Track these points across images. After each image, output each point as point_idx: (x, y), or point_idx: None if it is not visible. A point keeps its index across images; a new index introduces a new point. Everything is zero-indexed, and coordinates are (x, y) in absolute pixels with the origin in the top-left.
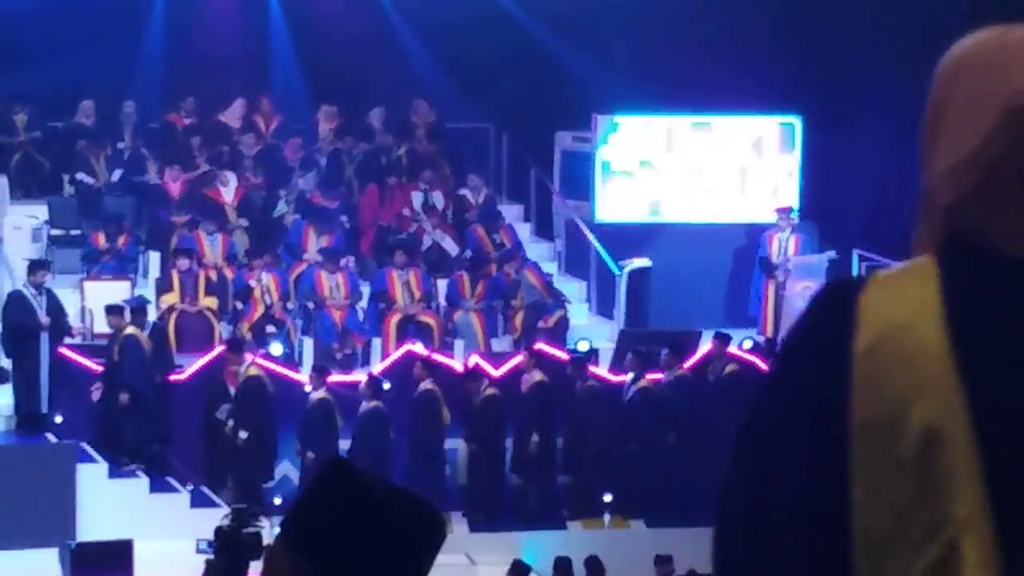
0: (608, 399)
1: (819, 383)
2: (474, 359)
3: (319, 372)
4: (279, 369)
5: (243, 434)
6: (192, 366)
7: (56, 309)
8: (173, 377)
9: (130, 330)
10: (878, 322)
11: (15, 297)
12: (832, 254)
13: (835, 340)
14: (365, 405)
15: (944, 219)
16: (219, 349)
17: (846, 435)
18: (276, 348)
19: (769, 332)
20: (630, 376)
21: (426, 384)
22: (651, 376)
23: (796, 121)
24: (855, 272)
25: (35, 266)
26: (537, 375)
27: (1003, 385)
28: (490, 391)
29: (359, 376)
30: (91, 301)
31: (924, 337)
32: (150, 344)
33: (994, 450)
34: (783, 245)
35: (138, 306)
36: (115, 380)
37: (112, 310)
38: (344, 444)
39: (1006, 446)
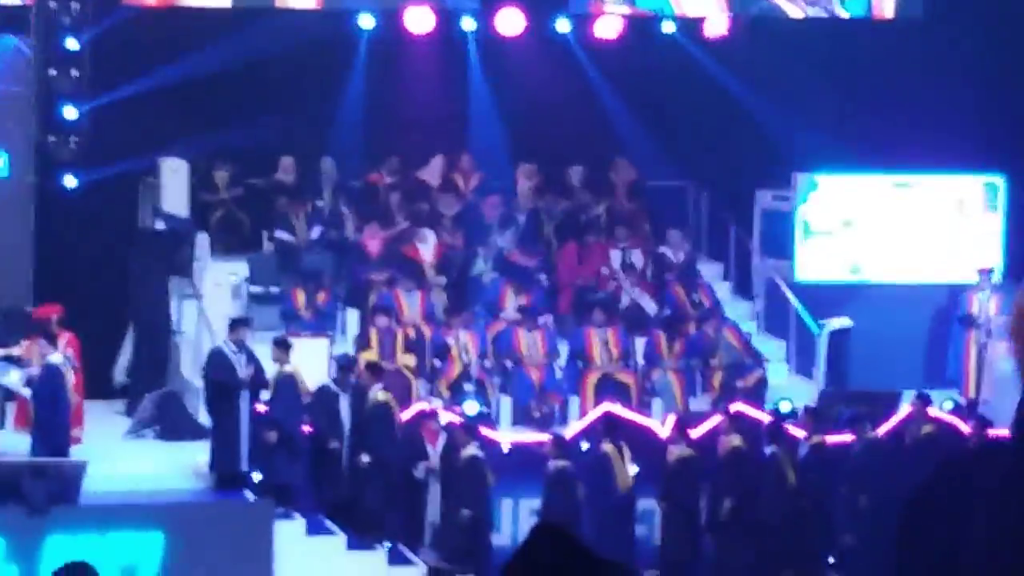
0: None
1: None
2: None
3: (557, 440)
4: (486, 432)
5: (465, 512)
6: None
7: (257, 367)
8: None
9: (380, 396)
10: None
11: (216, 354)
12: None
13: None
14: (552, 464)
15: None
16: (416, 407)
17: None
18: (471, 406)
19: (970, 393)
20: (803, 434)
21: (604, 445)
22: (832, 436)
23: (1000, 180)
24: None
25: (236, 323)
26: (735, 439)
27: None
28: (685, 452)
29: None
30: (293, 359)
31: None
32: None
33: None
34: (984, 305)
35: (344, 364)
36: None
37: (279, 343)
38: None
39: None
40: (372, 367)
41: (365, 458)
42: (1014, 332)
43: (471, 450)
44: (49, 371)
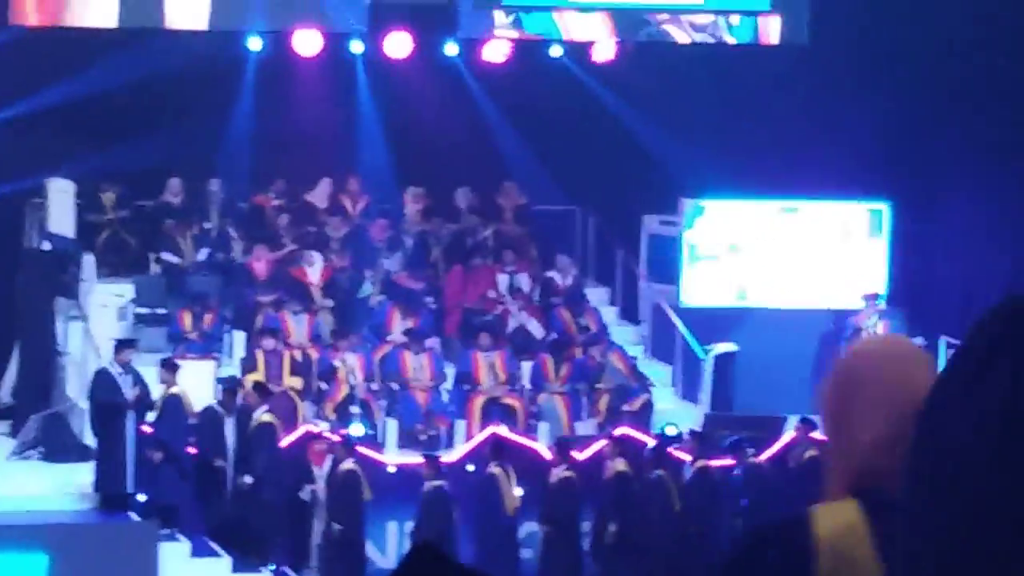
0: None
1: None
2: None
3: (431, 461)
4: (368, 453)
5: (336, 526)
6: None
7: (142, 388)
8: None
9: (265, 417)
10: (829, 551)
11: (101, 375)
12: (920, 341)
13: (801, 564)
14: (428, 485)
15: (857, 473)
16: (302, 429)
17: None
18: (357, 429)
19: None
20: (688, 458)
21: (492, 467)
22: (716, 460)
23: (884, 207)
24: (941, 359)
25: (121, 345)
26: (620, 464)
27: None
28: (565, 474)
29: (444, 457)
30: (178, 381)
31: (863, 558)
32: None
33: None
34: (870, 331)
35: (229, 386)
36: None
37: (258, 387)
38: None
39: None
40: (258, 388)
41: (248, 479)
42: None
43: (347, 464)
44: None
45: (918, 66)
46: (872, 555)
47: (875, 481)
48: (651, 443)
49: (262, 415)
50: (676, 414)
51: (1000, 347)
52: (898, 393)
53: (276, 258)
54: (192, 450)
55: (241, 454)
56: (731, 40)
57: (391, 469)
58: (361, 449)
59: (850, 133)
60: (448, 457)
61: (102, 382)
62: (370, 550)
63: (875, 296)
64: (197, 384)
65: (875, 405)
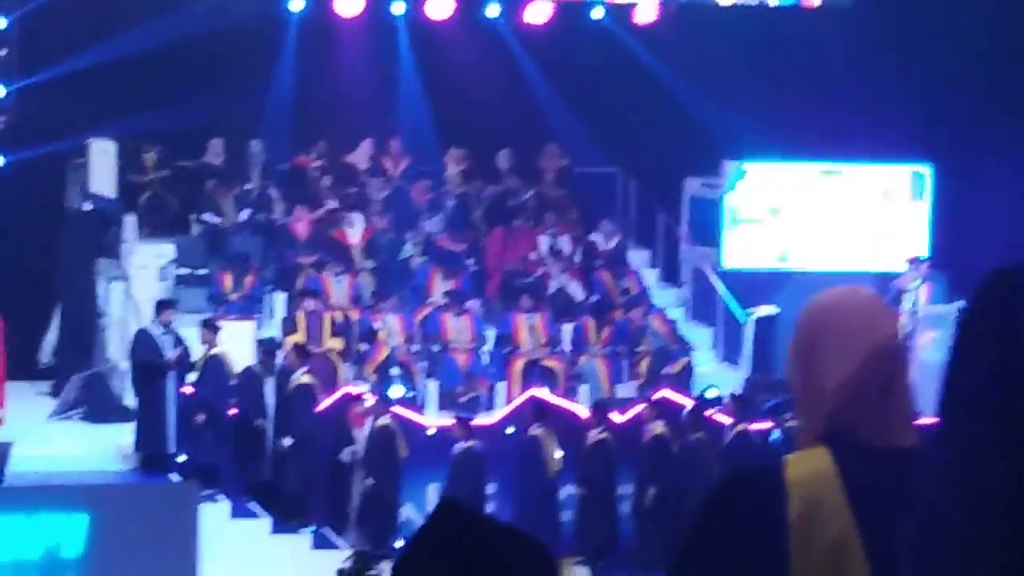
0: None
1: (760, 537)
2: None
3: (462, 422)
4: (406, 413)
5: (369, 481)
6: (320, 406)
7: (183, 349)
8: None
9: (304, 379)
10: (800, 496)
11: (142, 336)
12: (962, 304)
13: (773, 508)
14: (458, 446)
15: (826, 421)
16: (342, 391)
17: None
18: (396, 390)
19: None
20: (729, 422)
21: (534, 429)
22: (756, 424)
23: (927, 170)
24: None
25: (162, 305)
26: (659, 427)
27: (884, 526)
28: (600, 436)
29: (484, 419)
30: (219, 342)
31: (833, 502)
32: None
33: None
34: (913, 294)
35: (268, 347)
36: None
37: (207, 325)
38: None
39: (889, 564)
40: (298, 350)
41: (287, 441)
42: (793, 348)
43: (383, 420)
44: None
45: (961, 28)
46: (842, 499)
47: (843, 427)
48: (689, 406)
49: (301, 376)
50: (717, 377)
51: (1002, 310)
52: (861, 340)
53: (317, 219)
54: (232, 411)
55: (280, 415)
56: (773, 2)
57: (431, 431)
58: (401, 411)
59: (892, 96)
60: (488, 419)
61: (143, 343)
62: (411, 512)
63: (918, 259)
64: (237, 345)
65: (839, 352)
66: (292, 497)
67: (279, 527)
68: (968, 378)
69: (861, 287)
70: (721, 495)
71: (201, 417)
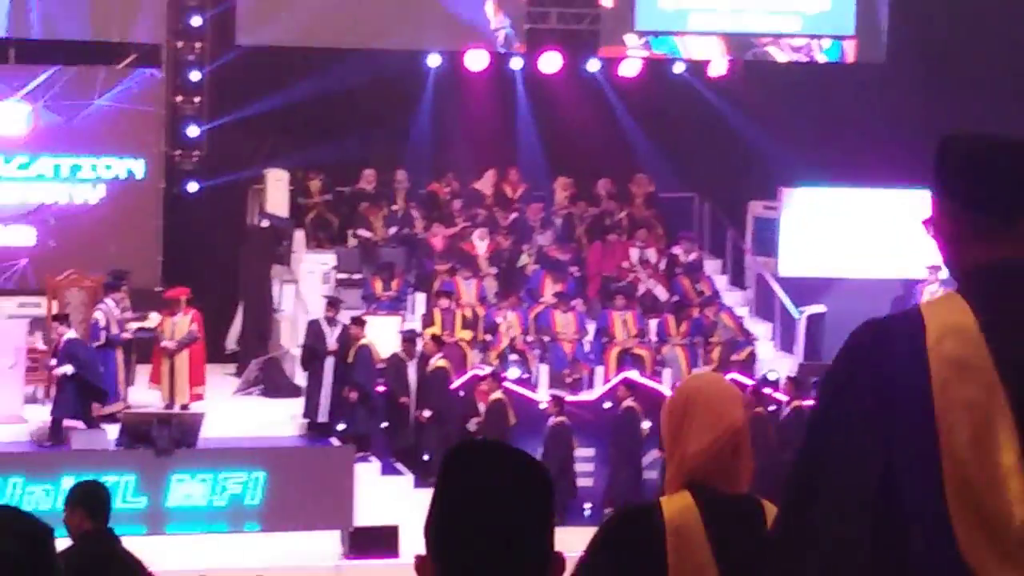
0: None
1: (645, 555)
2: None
3: (558, 401)
4: (519, 390)
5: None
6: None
7: (344, 338)
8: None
9: (441, 362)
10: (673, 528)
11: (313, 326)
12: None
13: (655, 535)
14: (552, 420)
15: (688, 475)
16: (470, 373)
17: (931, 396)
18: (513, 372)
19: None
20: (785, 399)
21: (628, 402)
22: (808, 400)
23: None
24: None
25: (331, 302)
26: None
27: (734, 553)
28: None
29: (586, 396)
30: (370, 333)
31: (696, 533)
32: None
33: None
34: (932, 296)
35: (410, 337)
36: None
37: (435, 339)
38: (585, 452)
39: None
40: (434, 339)
41: (426, 413)
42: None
43: (496, 395)
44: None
45: (979, 80)
46: (703, 532)
47: (701, 479)
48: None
49: (437, 361)
50: (775, 363)
51: (862, 361)
52: (716, 420)
53: (450, 234)
54: (381, 389)
55: (421, 392)
56: (822, 59)
57: (543, 406)
58: (517, 388)
59: (918, 134)
60: (589, 396)
61: (313, 331)
62: None
63: (936, 267)
64: (386, 336)
65: (700, 427)
66: (430, 458)
67: (420, 482)
68: (817, 457)
69: (719, 377)
70: (614, 528)
71: (354, 395)
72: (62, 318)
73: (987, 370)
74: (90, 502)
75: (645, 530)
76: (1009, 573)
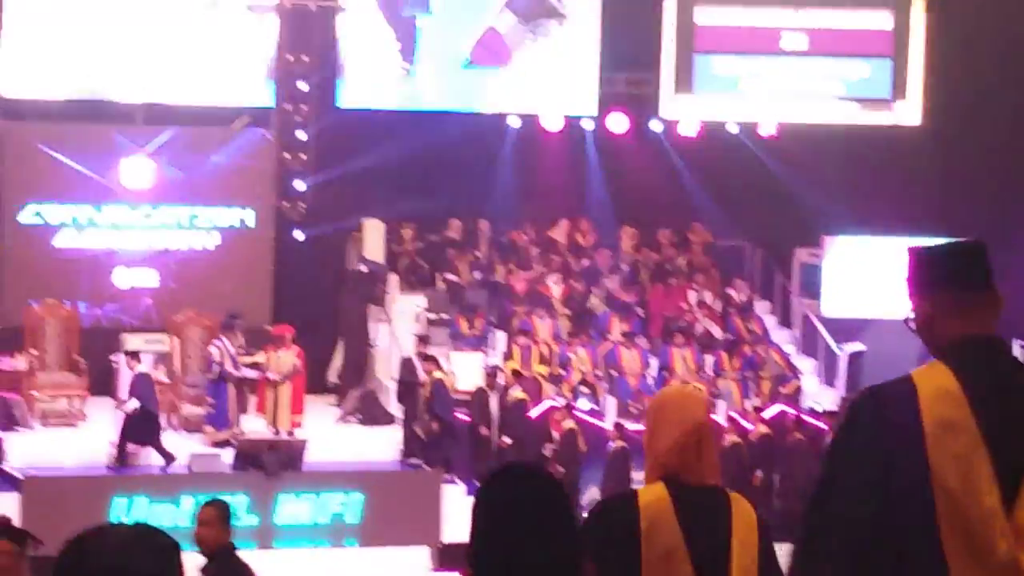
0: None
1: (621, 539)
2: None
3: (619, 428)
4: (589, 419)
5: (559, 468)
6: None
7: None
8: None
9: (519, 394)
10: (647, 515)
11: (406, 362)
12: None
13: (630, 521)
14: (613, 445)
15: (661, 469)
16: (546, 404)
17: (926, 459)
18: (583, 403)
19: None
20: (827, 428)
21: None
22: None
23: None
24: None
25: (422, 339)
26: (763, 428)
27: (702, 537)
28: (734, 439)
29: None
30: (456, 367)
31: (668, 519)
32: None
33: (698, 564)
34: None
35: (492, 371)
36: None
37: (515, 373)
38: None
39: (705, 564)
40: (514, 373)
41: (507, 440)
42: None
43: (568, 424)
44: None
45: (1007, 143)
46: (673, 517)
47: (673, 472)
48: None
49: (516, 393)
50: (819, 395)
51: (867, 422)
52: (681, 419)
53: (529, 279)
54: (465, 418)
55: (502, 421)
56: (862, 121)
57: (612, 435)
58: (587, 418)
59: (950, 190)
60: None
61: (406, 367)
62: (595, 494)
63: None
64: (470, 370)
65: (668, 426)
66: None
67: (472, 491)
68: (828, 500)
69: (685, 387)
70: (597, 515)
71: (435, 425)
72: (133, 354)
73: (971, 428)
74: (230, 518)
75: (621, 516)
76: None
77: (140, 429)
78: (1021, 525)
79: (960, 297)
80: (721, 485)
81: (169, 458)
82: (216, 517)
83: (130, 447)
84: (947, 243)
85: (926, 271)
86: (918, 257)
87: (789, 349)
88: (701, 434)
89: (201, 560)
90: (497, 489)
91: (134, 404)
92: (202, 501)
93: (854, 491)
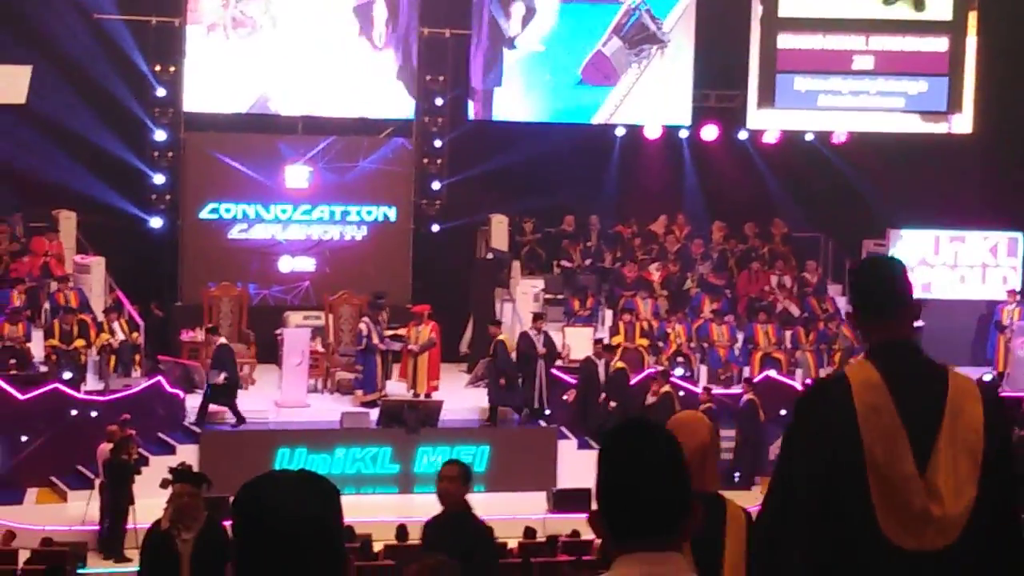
0: None
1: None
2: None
3: (707, 391)
4: (683, 384)
5: None
6: (633, 380)
7: (549, 344)
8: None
9: (619, 364)
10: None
11: (524, 336)
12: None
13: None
14: (701, 407)
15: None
16: (647, 371)
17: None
18: (678, 371)
19: (1000, 368)
20: None
21: (748, 395)
22: None
23: (1020, 236)
24: None
25: (536, 316)
26: None
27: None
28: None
29: (736, 390)
30: (570, 340)
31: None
32: (605, 366)
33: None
34: (1011, 314)
35: (599, 344)
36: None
37: (605, 347)
38: (727, 432)
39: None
40: (617, 346)
41: (612, 403)
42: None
43: (664, 388)
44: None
45: None
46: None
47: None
48: None
49: (618, 363)
50: None
51: (811, 409)
52: (688, 440)
53: (637, 266)
54: (574, 384)
55: (608, 387)
56: (921, 131)
57: (702, 397)
58: (682, 383)
59: (998, 187)
60: (736, 389)
61: (524, 340)
62: None
63: (1015, 291)
64: (581, 343)
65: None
66: None
67: (582, 446)
68: (788, 466)
69: (696, 413)
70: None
71: (502, 381)
72: (214, 329)
73: (892, 411)
74: (470, 478)
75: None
76: (912, 539)
77: (223, 395)
78: (931, 485)
79: (878, 312)
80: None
81: (241, 419)
82: (459, 475)
83: (211, 407)
84: (870, 265)
85: (854, 291)
86: (850, 278)
87: None
88: (706, 453)
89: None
90: (620, 441)
91: (220, 375)
92: (355, 453)
93: (805, 471)
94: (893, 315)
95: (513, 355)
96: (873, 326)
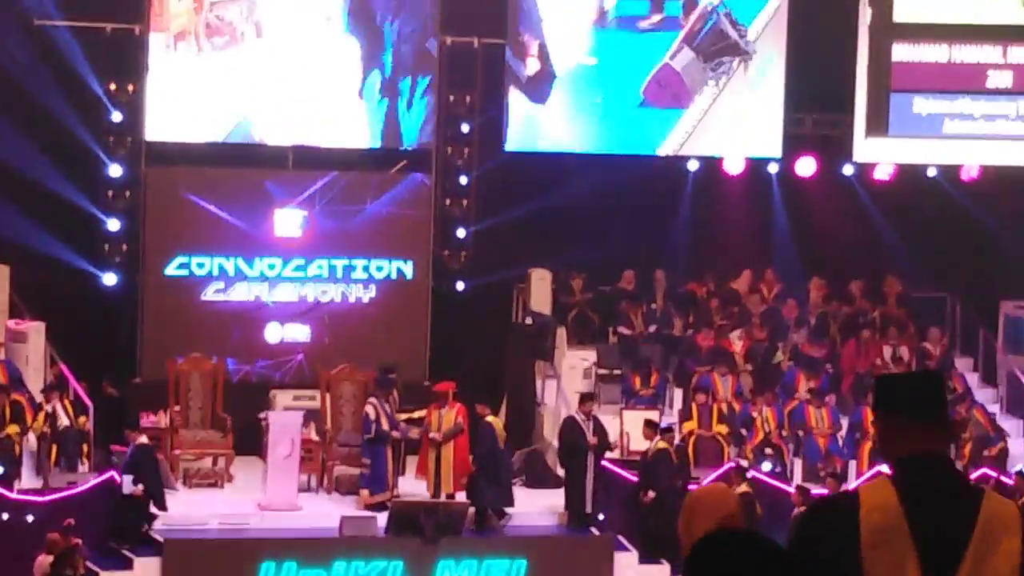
0: None
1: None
2: None
3: (802, 491)
4: (771, 482)
5: None
6: (707, 479)
7: (600, 432)
8: (691, 487)
9: (661, 444)
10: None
11: (569, 421)
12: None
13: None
14: (796, 511)
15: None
16: (728, 465)
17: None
18: (766, 465)
19: None
20: None
21: None
22: None
23: None
24: None
25: (584, 397)
26: None
27: None
28: None
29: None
30: (628, 426)
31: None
32: (675, 458)
33: None
34: None
35: (667, 429)
36: (647, 484)
37: (649, 424)
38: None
39: None
40: (649, 424)
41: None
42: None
43: (742, 487)
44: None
45: None
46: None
47: None
48: (1007, 482)
49: (659, 443)
50: None
51: (816, 529)
52: (716, 510)
53: (716, 336)
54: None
55: (646, 473)
56: None
57: (795, 500)
58: (769, 480)
59: None
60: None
61: (569, 426)
62: None
63: None
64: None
65: (705, 518)
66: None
67: (675, 571)
68: None
69: (722, 485)
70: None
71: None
72: (133, 427)
73: (904, 535)
74: None
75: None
76: None
77: (133, 510)
78: None
79: (908, 422)
80: None
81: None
82: None
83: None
84: (902, 373)
85: (881, 396)
86: (876, 382)
87: (993, 409)
88: (734, 522)
89: None
90: (708, 560)
91: (130, 486)
92: (358, 568)
93: None
94: (927, 426)
95: (501, 443)
96: (898, 436)
